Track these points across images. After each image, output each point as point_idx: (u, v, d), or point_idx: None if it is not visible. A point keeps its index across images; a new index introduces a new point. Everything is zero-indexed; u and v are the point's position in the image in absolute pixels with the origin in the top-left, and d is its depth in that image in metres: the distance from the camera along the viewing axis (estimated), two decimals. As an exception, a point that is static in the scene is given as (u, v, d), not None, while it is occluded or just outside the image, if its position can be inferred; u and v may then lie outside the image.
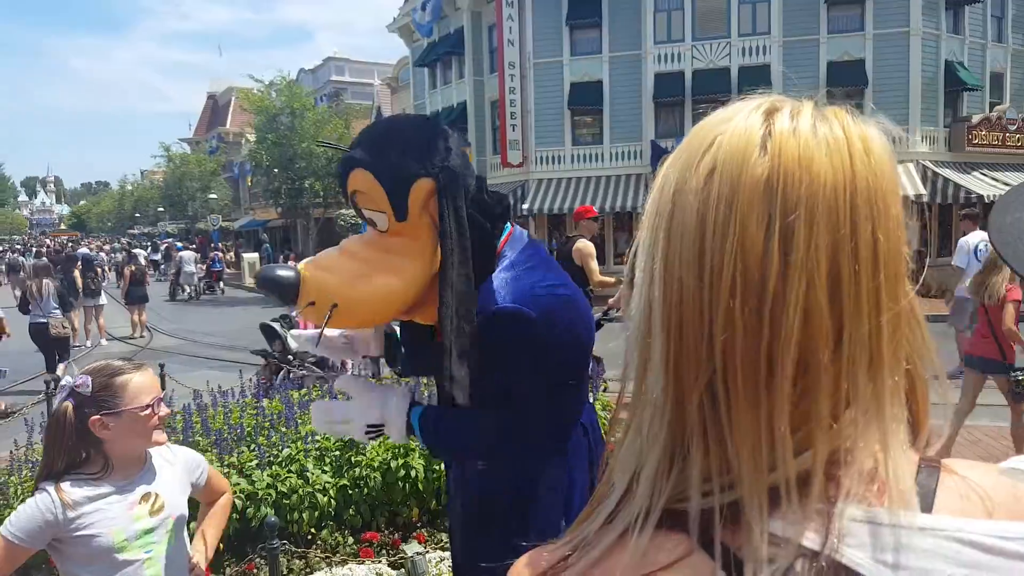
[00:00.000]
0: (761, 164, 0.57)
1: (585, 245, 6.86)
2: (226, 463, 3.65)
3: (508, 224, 1.79)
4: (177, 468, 1.93)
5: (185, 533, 1.95)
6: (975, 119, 19.37)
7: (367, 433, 1.82)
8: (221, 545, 3.56)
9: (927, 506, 0.55)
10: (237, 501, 3.58)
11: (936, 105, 19.39)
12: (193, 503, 2.03)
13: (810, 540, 0.53)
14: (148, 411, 1.76)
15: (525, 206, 19.77)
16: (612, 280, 7.03)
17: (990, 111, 20.06)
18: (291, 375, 6.60)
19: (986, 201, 18.01)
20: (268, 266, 1.74)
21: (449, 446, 1.83)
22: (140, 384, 1.77)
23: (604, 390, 5.35)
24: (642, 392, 0.62)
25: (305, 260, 1.77)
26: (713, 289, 0.57)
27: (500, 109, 21.53)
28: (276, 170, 26.92)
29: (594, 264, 6.75)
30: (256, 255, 26.82)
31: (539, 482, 1.76)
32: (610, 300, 8.71)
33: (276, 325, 7.11)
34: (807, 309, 0.55)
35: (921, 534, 0.53)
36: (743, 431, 0.55)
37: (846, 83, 18.92)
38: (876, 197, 0.58)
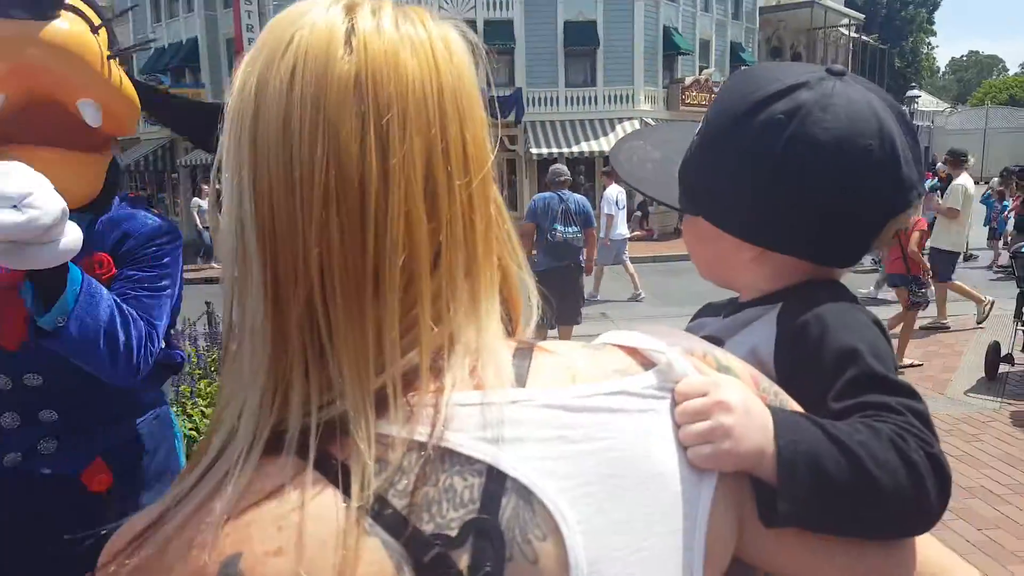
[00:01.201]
0: (348, 62, 0.54)
1: None
2: None
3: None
4: None
5: None
6: (687, 81, 21.68)
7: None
8: None
9: (521, 383, 0.59)
10: None
11: (656, 67, 21.36)
12: None
13: (419, 434, 0.54)
14: None
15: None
16: None
17: (699, 74, 22.55)
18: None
19: (697, 156, 20.40)
20: None
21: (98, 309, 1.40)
22: None
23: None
24: (244, 320, 0.57)
25: None
26: (305, 201, 0.54)
27: (237, 47, 19.90)
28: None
29: None
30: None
31: None
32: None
33: None
34: (408, 215, 0.55)
35: (515, 407, 0.56)
36: (348, 345, 0.54)
37: (581, 43, 20.14)
38: (461, 97, 0.59)
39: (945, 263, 7.75)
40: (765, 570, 0.68)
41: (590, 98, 20.64)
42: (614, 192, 10.24)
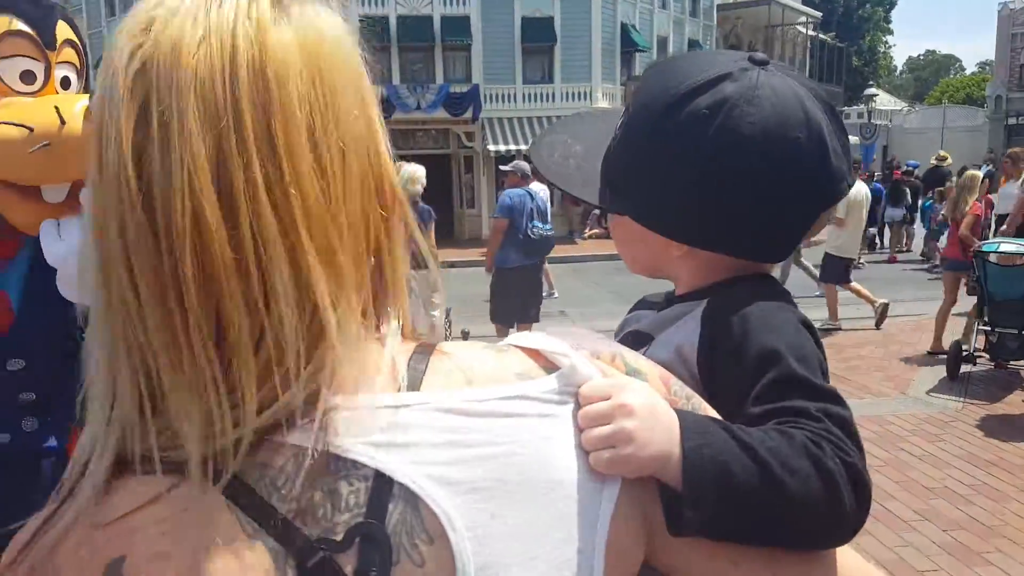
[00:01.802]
0: (141, 46, 0.54)
1: None
2: None
3: None
4: None
5: None
6: (646, 78, 21.87)
7: None
8: None
9: (416, 385, 0.58)
10: None
11: (614, 64, 21.53)
12: None
13: (303, 439, 0.54)
14: None
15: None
16: None
17: (657, 71, 22.77)
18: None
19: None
20: None
21: None
22: None
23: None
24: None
25: None
26: (109, 199, 0.54)
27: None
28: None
29: None
30: None
31: None
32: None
33: None
34: (195, 215, 0.53)
35: (408, 410, 0.56)
36: (164, 352, 0.53)
37: (538, 39, 20.23)
38: (280, 87, 0.54)
39: (837, 268, 8.07)
40: None
41: (548, 95, 20.74)
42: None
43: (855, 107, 35.15)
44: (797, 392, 0.71)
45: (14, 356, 1.57)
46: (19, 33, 1.42)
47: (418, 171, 6.59)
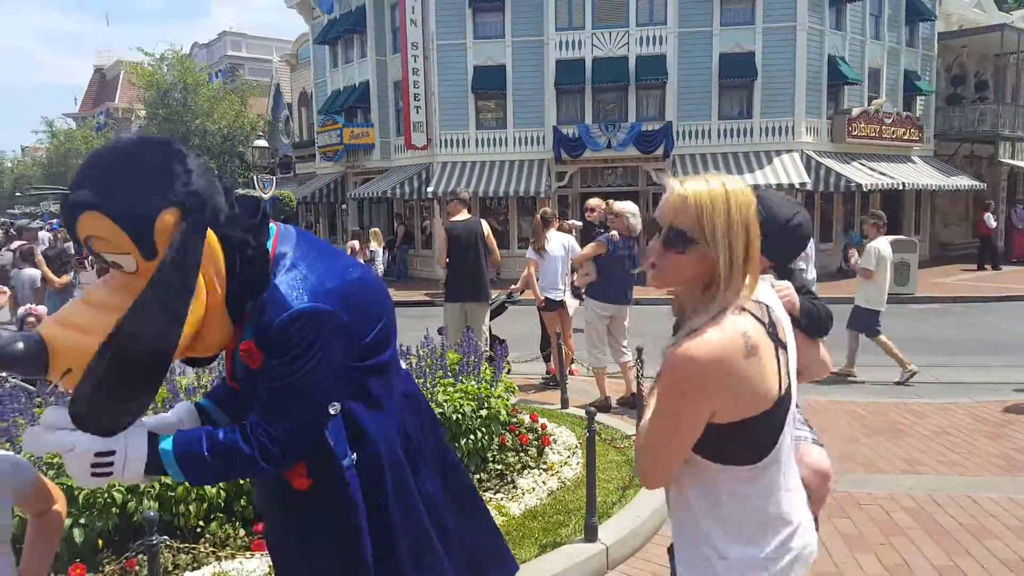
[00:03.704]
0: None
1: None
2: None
3: (271, 225, 1.70)
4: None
5: (10, 548, 1.71)
6: (855, 112, 20.54)
7: (93, 468, 1.52)
8: (100, 541, 3.44)
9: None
10: (117, 495, 3.46)
11: (820, 97, 20.42)
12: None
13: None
14: None
15: (430, 189, 19.65)
16: None
17: (868, 104, 21.31)
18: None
19: (865, 190, 19.18)
20: (1, 339, 1.43)
21: (220, 474, 1.66)
22: None
23: (508, 372, 5.44)
24: None
25: (47, 320, 1.55)
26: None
27: (404, 90, 21.25)
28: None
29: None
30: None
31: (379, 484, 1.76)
32: (512, 286, 8.85)
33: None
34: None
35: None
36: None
37: (737, 75, 19.68)
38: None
39: (863, 318, 8.21)
40: None
41: (745, 130, 20.07)
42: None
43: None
44: None
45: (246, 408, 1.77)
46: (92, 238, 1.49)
47: (633, 207, 6.78)
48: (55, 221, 35.55)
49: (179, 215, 1.49)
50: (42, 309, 6.36)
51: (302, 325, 1.56)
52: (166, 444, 1.58)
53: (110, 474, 1.53)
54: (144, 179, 1.48)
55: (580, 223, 9.64)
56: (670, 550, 1.78)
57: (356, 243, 16.36)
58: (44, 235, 23.16)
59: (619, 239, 6.58)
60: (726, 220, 1.46)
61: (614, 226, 6.69)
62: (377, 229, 18.23)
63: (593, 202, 8.06)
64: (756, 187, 17.66)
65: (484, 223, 7.56)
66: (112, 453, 1.51)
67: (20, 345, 1.40)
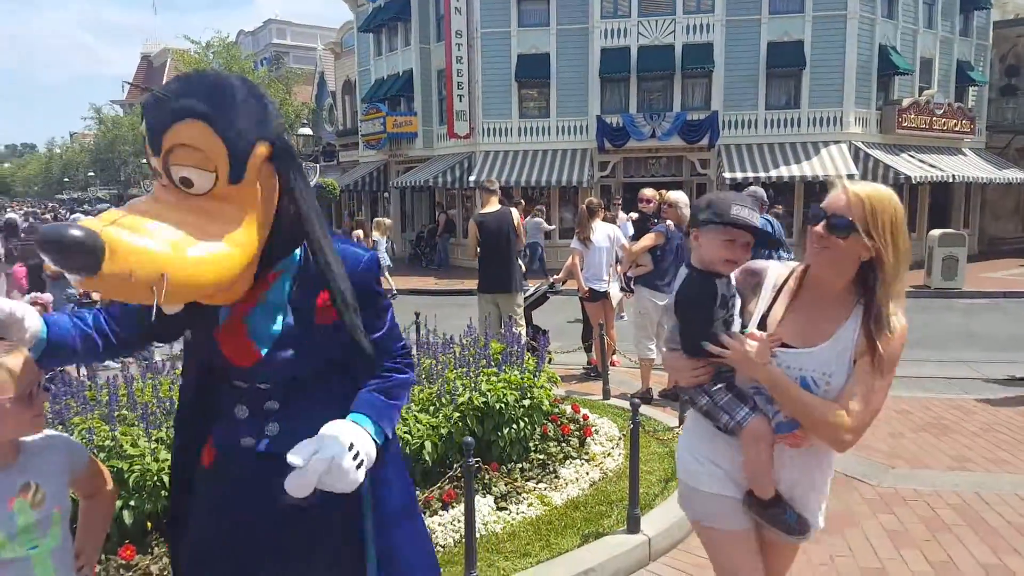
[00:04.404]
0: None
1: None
2: (154, 438, 3.66)
3: None
4: (57, 456, 1.72)
5: (68, 526, 1.75)
6: (905, 103, 20.05)
7: (356, 465, 1.62)
8: (149, 524, 3.54)
9: None
10: (165, 477, 3.52)
11: (869, 87, 19.97)
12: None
13: None
14: (20, 401, 1.56)
15: (472, 178, 19.73)
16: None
17: (919, 95, 20.77)
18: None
19: (913, 182, 18.74)
20: (56, 224, 1.32)
21: (393, 418, 1.87)
22: (13, 369, 1.54)
23: (549, 361, 5.47)
24: None
25: (104, 215, 1.42)
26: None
27: (447, 79, 21.35)
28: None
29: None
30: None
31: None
32: (554, 276, 8.89)
33: None
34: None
35: None
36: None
37: (785, 64, 19.35)
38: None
39: None
40: None
41: (793, 120, 19.73)
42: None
43: None
44: None
45: (262, 381, 1.78)
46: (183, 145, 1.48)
47: (685, 197, 6.81)
48: (104, 206, 36.51)
49: (271, 151, 1.57)
50: (48, 297, 6.49)
51: (376, 266, 1.83)
52: (365, 423, 1.75)
53: (363, 461, 1.65)
54: (249, 108, 1.53)
55: (636, 215, 9.56)
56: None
57: (360, 232, 16.35)
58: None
59: (675, 229, 6.58)
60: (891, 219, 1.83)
61: (668, 216, 6.68)
62: (382, 219, 17.36)
63: (648, 192, 8.02)
64: (803, 179, 17.40)
65: (515, 212, 7.54)
66: (352, 446, 1.63)
67: (77, 232, 1.28)
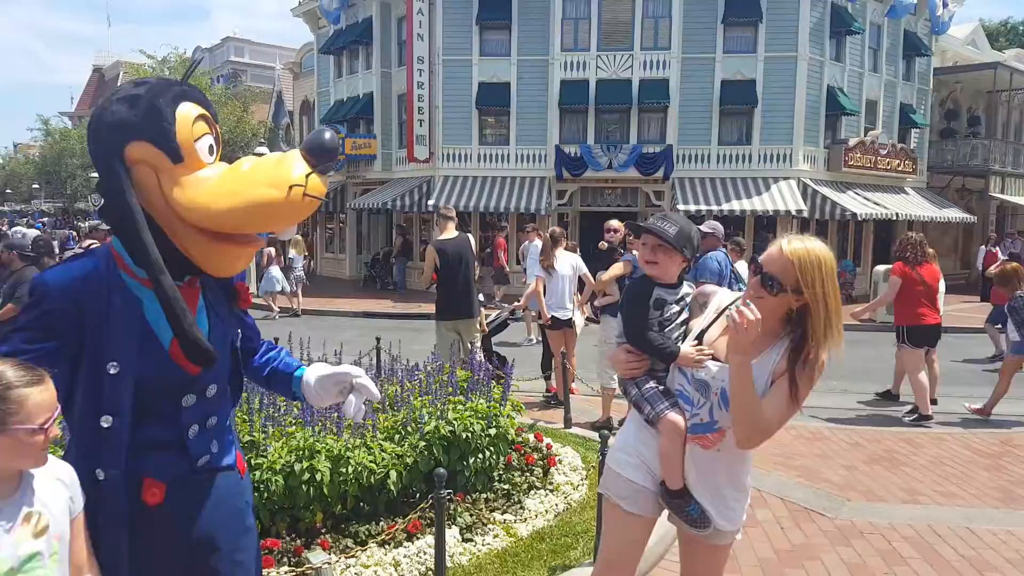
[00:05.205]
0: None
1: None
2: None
3: None
4: (58, 485, 1.69)
5: (68, 557, 1.71)
6: (851, 142, 20.81)
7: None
8: None
9: None
10: None
11: (818, 127, 20.70)
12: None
13: None
14: (40, 432, 1.55)
15: (431, 202, 19.73)
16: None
17: (864, 135, 21.60)
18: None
19: (859, 219, 19.40)
20: (315, 131, 1.80)
21: None
22: (40, 401, 1.55)
23: (515, 391, 5.45)
24: None
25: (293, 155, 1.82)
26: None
27: (408, 104, 21.39)
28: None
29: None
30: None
31: None
32: (515, 303, 8.91)
33: None
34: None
35: None
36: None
37: (738, 102, 19.93)
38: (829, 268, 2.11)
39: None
40: None
41: (744, 156, 20.30)
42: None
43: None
44: None
45: (210, 383, 1.89)
46: (203, 116, 1.79)
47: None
48: (44, 220, 35.40)
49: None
50: None
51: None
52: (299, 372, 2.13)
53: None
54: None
55: (604, 244, 9.65)
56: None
57: (272, 250, 16.39)
58: (31, 233, 22.68)
59: None
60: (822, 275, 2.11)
61: (633, 246, 6.78)
62: (299, 237, 17.92)
63: (614, 223, 8.12)
64: (754, 212, 17.79)
65: (470, 237, 7.51)
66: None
67: (329, 135, 1.75)
